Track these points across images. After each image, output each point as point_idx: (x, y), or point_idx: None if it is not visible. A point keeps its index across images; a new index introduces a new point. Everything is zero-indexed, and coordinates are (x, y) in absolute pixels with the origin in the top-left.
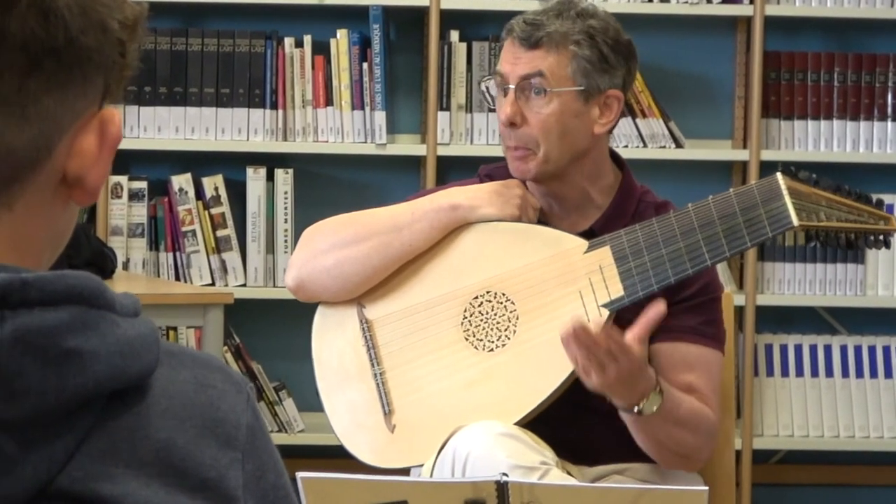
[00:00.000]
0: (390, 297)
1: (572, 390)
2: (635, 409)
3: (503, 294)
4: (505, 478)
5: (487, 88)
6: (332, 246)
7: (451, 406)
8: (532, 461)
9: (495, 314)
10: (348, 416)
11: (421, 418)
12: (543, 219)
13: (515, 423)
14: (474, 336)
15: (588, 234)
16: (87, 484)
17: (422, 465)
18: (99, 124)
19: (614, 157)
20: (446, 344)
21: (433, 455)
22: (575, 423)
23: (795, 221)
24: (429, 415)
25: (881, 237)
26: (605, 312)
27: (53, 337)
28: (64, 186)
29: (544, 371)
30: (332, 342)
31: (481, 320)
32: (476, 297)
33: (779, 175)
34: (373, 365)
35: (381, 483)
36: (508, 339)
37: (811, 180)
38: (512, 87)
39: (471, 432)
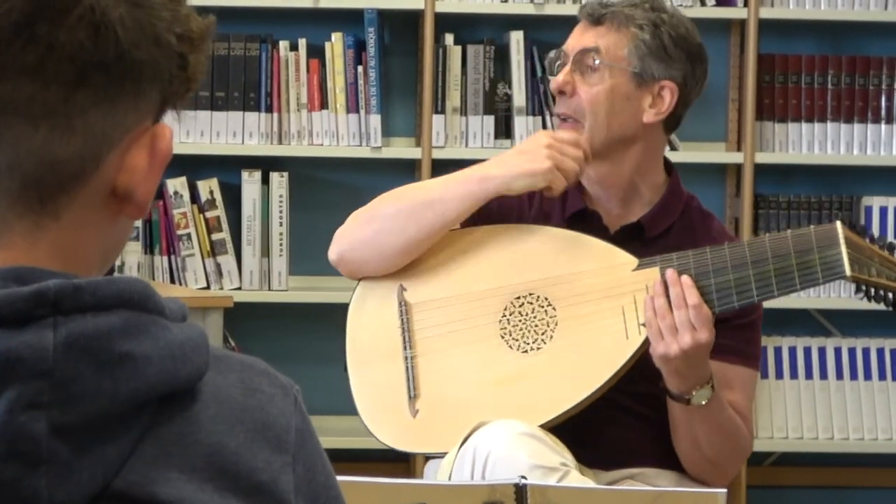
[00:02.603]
0: (433, 283)
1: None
2: (686, 397)
3: (546, 298)
4: (524, 480)
5: (550, 64)
6: (371, 218)
7: (476, 401)
8: (553, 462)
9: (535, 317)
10: (373, 393)
11: (445, 408)
12: (591, 205)
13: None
14: (510, 335)
15: (636, 228)
16: (144, 488)
17: (438, 454)
18: (150, 139)
19: (667, 163)
20: (481, 339)
21: (453, 449)
22: (592, 425)
23: (848, 272)
24: (453, 406)
25: None
26: (645, 331)
27: (107, 341)
28: (114, 200)
29: (575, 380)
30: (369, 319)
31: (520, 321)
32: (518, 298)
33: (838, 223)
34: (405, 348)
35: (400, 485)
36: (544, 343)
37: (868, 235)
38: (570, 58)
39: (492, 431)
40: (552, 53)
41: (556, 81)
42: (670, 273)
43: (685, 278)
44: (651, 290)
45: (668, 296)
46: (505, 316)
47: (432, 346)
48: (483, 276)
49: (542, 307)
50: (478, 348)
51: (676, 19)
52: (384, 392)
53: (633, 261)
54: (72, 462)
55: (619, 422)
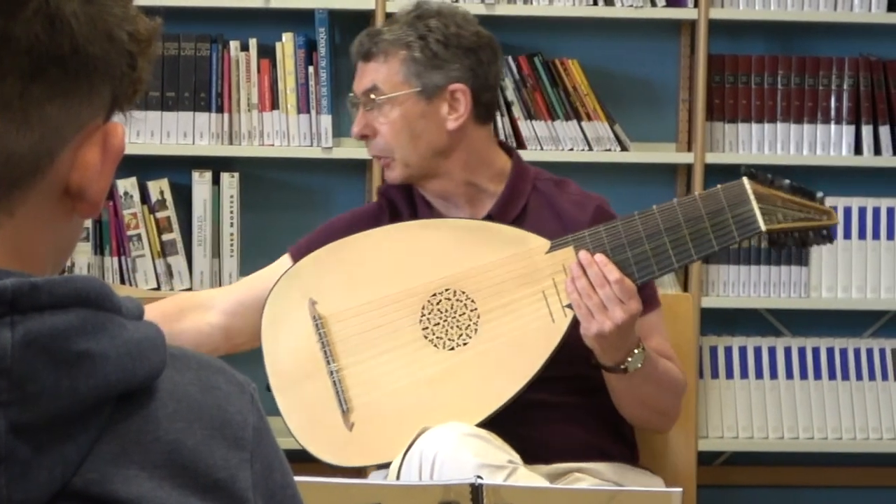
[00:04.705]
0: (343, 292)
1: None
2: (622, 366)
3: (463, 292)
4: (480, 480)
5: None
6: None
7: (411, 405)
8: (500, 460)
9: (455, 312)
10: (304, 413)
11: (380, 417)
12: (439, 214)
13: (477, 424)
14: (434, 334)
15: (487, 220)
16: (103, 486)
17: (381, 464)
18: (103, 137)
19: (505, 147)
20: (405, 342)
21: (398, 456)
22: (527, 420)
23: (763, 227)
24: (388, 413)
25: (825, 232)
26: (570, 313)
27: (64, 340)
28: (67, 198)
29: (508, 372)
30: (285, 339)
31: (440, 318)
32: (434, 295)
33: (745, 179)
34: (328, 362)
35: (354, 486)
36: (470, 337)
37: (768, 181)
38: (359, 102)
39: (437, 434)
40: (349, 97)
41: (354, 129)
42: (583, 255)
43: (599, 256)
44: (570, 273)
45: (588, 276)
46: (424, 315)
47: (356, 356)
48: (394, 277)
49: (461, 301)
50: (403, 352)
51: (445, 20)
52: (315, 410)
53: (545, 243)
54: (31, 461)
55: (539, 418)
